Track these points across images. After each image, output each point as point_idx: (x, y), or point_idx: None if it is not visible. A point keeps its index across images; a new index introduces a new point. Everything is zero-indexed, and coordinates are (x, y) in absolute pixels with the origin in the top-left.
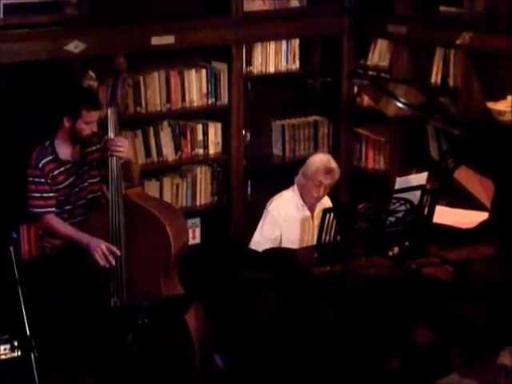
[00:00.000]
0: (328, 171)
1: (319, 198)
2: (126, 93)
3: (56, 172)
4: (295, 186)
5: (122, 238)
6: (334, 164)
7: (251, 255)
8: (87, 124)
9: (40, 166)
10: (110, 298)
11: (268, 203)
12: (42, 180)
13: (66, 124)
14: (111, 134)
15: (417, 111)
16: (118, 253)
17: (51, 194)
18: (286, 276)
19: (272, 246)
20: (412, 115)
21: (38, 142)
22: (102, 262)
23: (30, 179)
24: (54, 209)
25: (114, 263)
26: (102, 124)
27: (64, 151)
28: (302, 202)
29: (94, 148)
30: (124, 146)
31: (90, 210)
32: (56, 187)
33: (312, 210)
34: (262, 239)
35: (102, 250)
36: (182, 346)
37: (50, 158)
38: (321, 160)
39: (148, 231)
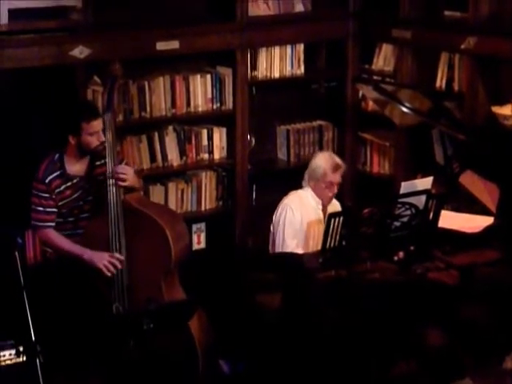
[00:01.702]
0: (335, 169)
1: (334, 196)
2: (131, 98)
3: (63, 187)
4: (307, 188)
5: (122, 243)
6: (338, 159)
7: (258, 258)
8: (92, 135)
9: (47, 181)
10: (111, 303)
11: (281, 202)
12: (47, 195)
13: (72, 141)
14: (109, 140)
15: (422, 116)
16: (122, 257)
17: (54, 210)
18: (291, 279)
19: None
20: (418, 121)
21: (44, 148)
22: (108, 274)
23: (35, 192)
24: (54, 223)
25: (120, 267)
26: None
27: (72, 167)
28: (317, 199)
29: (102, 161)
30: (128, 174)
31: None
32: (61, 202)
33: (324, 211)
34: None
35: (107, 261)
36: (186, 351)
37: (58, 173)
38: (325, 160)
39: (148, 236)
